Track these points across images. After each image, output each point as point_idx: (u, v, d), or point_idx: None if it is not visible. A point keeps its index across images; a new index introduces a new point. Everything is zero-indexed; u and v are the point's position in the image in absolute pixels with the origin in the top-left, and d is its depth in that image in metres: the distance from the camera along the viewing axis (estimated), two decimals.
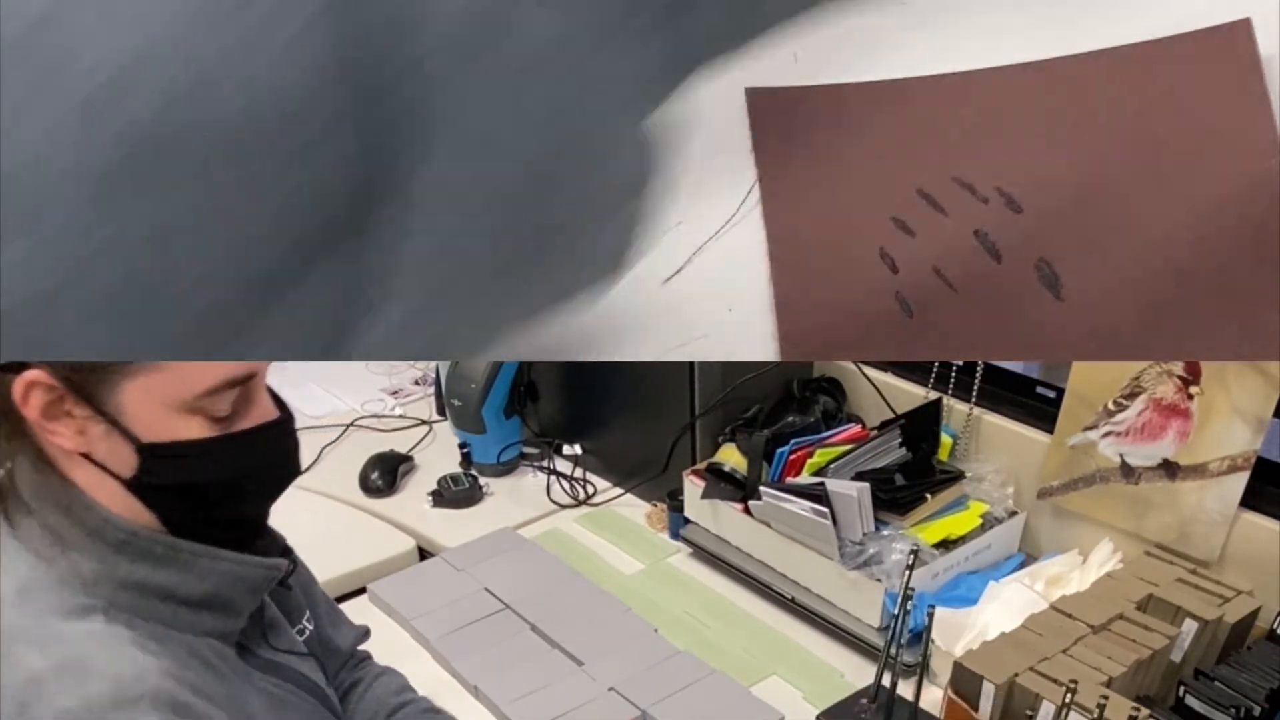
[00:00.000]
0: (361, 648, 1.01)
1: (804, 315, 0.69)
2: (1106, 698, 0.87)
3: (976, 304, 0.68)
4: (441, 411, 1.73)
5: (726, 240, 0.71)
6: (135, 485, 0.68)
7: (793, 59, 0.77)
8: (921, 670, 1.07)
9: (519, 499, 1.57)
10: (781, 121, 0.75)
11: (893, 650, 1.04)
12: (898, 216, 0.71)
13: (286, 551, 0.79)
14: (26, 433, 0.68)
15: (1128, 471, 1.14)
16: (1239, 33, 0.71)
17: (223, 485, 0.70)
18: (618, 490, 1.57)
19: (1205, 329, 0.65)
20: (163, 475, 0.68)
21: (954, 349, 0.68)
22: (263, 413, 0.71)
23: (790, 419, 1.37)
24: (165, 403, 0.66)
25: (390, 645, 1.20)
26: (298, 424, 0.74)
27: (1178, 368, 1.07)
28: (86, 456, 0.68)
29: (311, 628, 0.87)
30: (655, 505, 1.49)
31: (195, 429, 0.67)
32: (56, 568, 0.67)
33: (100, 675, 0.62)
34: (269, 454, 0.72)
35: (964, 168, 0.72)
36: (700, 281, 0.70)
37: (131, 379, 0.65)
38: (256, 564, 0.73)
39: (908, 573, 1.05)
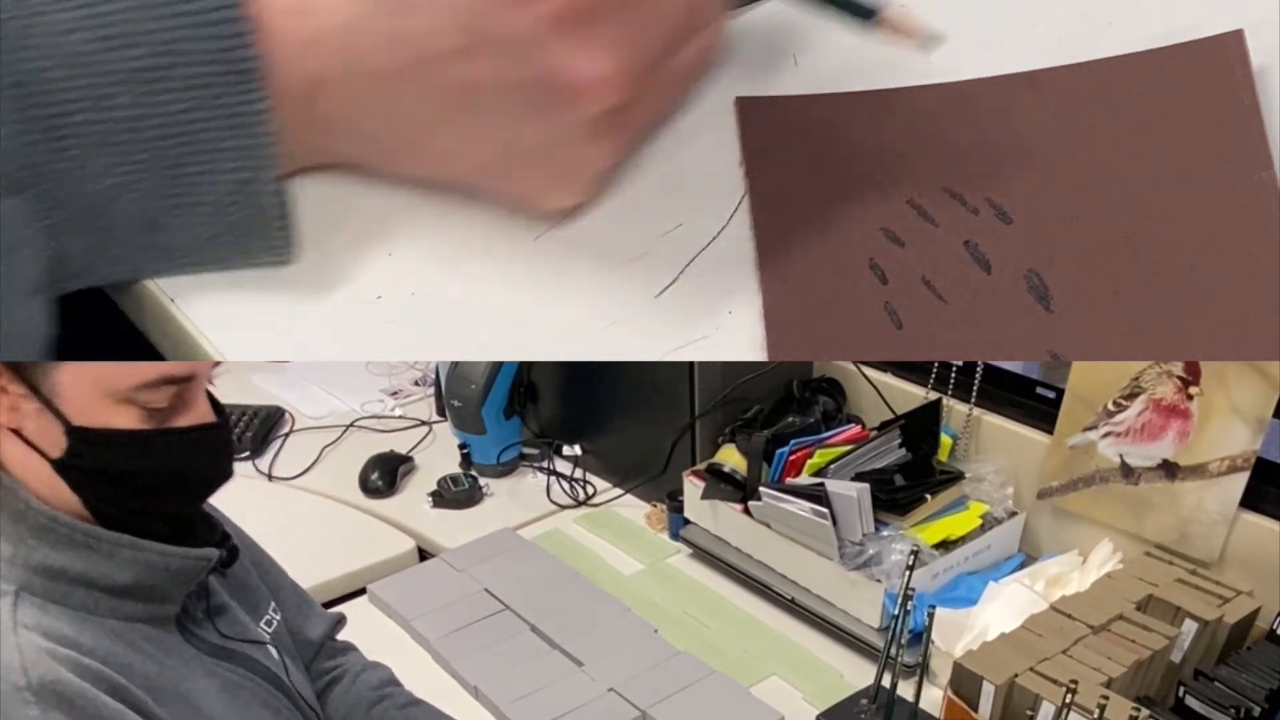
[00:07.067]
0: (346, 638, 1.01)
1: (793, 325, 0.68)
2: (1106, 698, 0.87)
3: (966, 314, 0.68)
4: (441, 412, 1.73)
5: (716, 251, 0.71)
6: (62, 467, 0.68)
7: (792, 62, 0.77)
8: (921, 671, 1.07)
9: (519, 499, 1.57)
10: (770, 131, 0.74)
11: (893, 651, 1.04)
12: (887, 227, 0.71)
13: (225, 538, 0.78)
14: None
15: (1127, 472, 1.14)
16: (1232, 44, 0.71)
17: (149, 477, 0.70)
18: (617, 491, 1.57)
19: (1200, 334, 0.65)
20: (90, 459, 0.68)
21: (943, 354, 0.69)
22: (200, 414, 0.71)
23: (790, 419, 1.36)
24: (100, 390, 0.66)
25: (390, 645, 1.20)
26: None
27: (1178, 368, 1.07)
28: (17, 433, 0.67)
29: (279, 618, 0.86)
30: (655, 506, 1.49)
31: (128, 419, 0.67)
32: None
33: None
34: (200, 454, 0.72)
35: (954, 178, 0.71)
36: (690, 293, 0.70)
37: (66, 362, 0.65)
38: (184, 555, 0.72)
39: (908, 573, 1.05)
